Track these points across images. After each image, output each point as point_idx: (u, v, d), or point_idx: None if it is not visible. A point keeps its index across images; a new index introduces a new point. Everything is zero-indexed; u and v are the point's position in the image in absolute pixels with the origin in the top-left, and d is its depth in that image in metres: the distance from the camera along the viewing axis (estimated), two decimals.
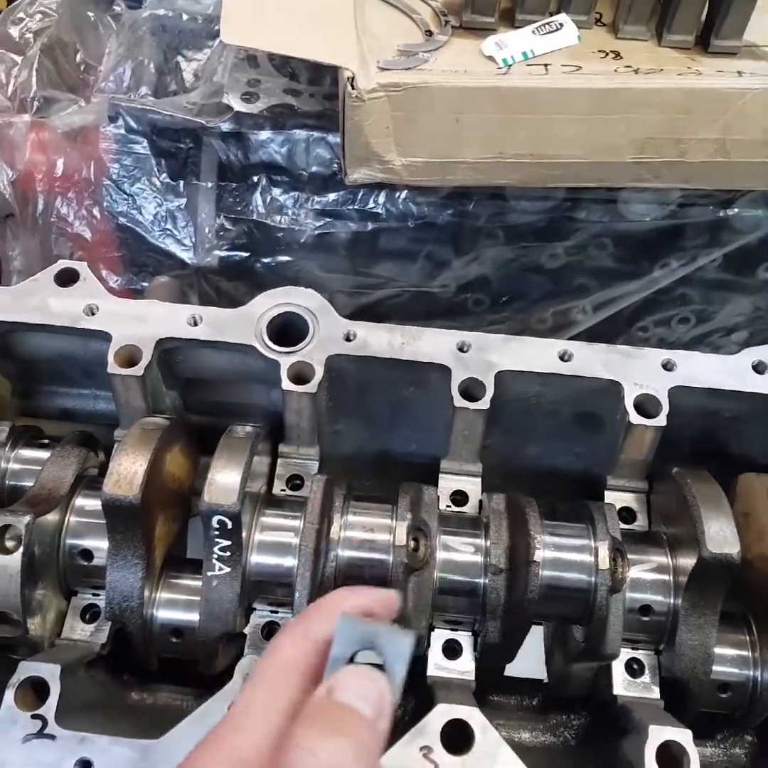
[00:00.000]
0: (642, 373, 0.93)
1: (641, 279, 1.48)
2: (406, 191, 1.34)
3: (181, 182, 1.37)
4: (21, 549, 0.80)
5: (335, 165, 1.33)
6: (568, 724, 0.97)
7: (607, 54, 1.20)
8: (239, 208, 1.37)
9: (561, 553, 0.83)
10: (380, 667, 0.56)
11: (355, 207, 1.37)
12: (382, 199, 1.35)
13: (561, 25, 1.20)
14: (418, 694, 0.97)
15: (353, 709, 0.53)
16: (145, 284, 1.41)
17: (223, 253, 1.39)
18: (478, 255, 1.45)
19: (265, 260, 1.40)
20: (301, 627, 0.59)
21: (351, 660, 0.56)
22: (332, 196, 1.36)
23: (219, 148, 1.34)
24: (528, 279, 1.49)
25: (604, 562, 0.80)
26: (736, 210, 1.35)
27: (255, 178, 1.36)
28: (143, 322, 0.96)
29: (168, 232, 1.38)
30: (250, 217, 1.37)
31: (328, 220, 1.38)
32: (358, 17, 1.16)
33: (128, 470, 0.82)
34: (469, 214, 1.38)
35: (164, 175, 1.37)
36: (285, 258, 1.40)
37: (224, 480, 0.83)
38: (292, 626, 0.60)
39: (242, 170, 1.36)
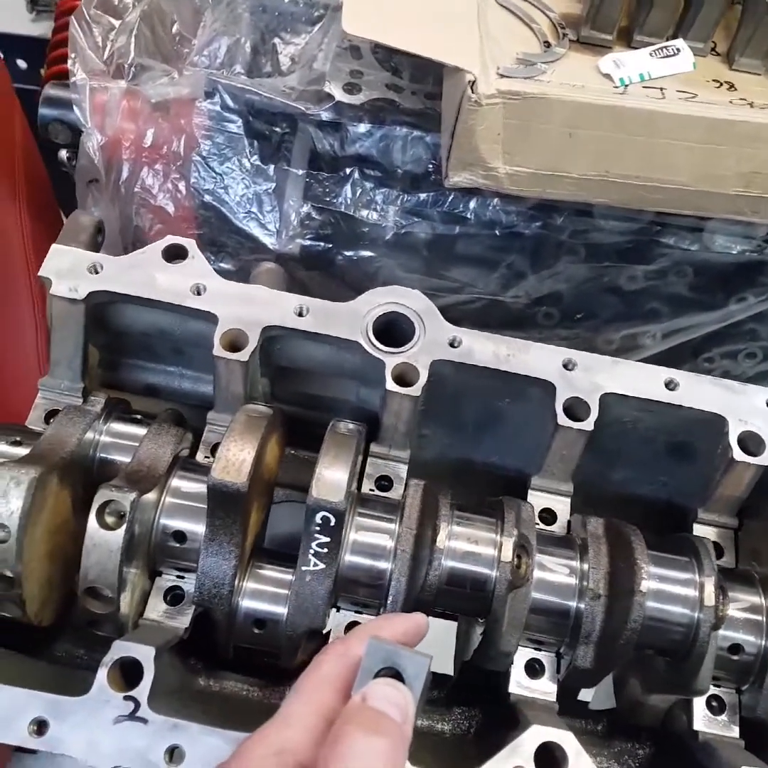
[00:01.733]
0: (746, 410, 0.92)
1: (716, 311, 1.47)
2: (497, 199, 1.33)
3: (272, 166, 1.35)
4: (124, 526, 0.79)
5: (430, 165, 1.32)
6: (633, 753, 0.97)
7: (721, 84, 1.19)
8: (327, 199, 1.36)
9: (666, 586, 0.83)
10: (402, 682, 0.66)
11: (444, 209, 1.35)
12: (473, 204, 1.34)
13: (678, 50, 1.19)
14: (486, 707, 0.97)
15: (386, 714, 0.62)
16: (222, 265, 1.40)
17: (306, 242, 1.38)
18: (557, 270, 1.43)
19: (347, 253, 1.39)
20: (341, 647, 0.69)
21: (377, 675, 0.65)
22: (422, 196, 1.35)
23: (315, 136, 1.32)
24: (602, 299, 1.48)
25: (710, 598, 0.80)
26: None
27: (347, 170, 1.34)
28: (250, 306, 0.95)
29: (253, 215, 1.37)
30: (337, 208, 1.36)
31: (415, 219, 1.37)
32: (481, 21, 1.14)
33: (236, 457, 0.81)
34: (555, 228, 1.37)
35: (255, 157, 1.35)
36: (367, 253, 1.39)
37: (332, 476, 0.82)
38: (334, 646, 0.70)
39: (335, 160, 1.34)
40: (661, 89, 1.15)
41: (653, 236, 1.36)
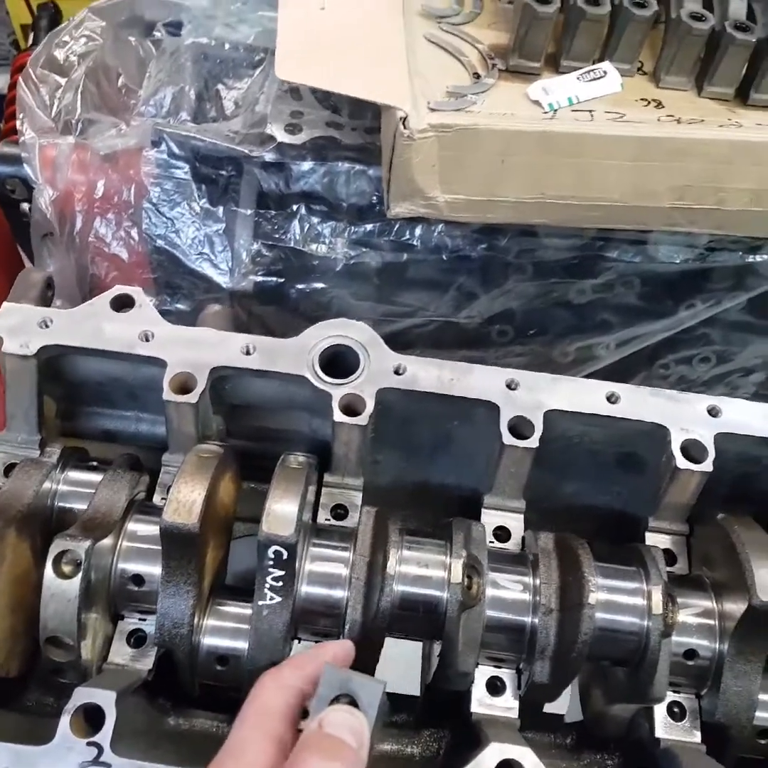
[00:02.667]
0: (688, 418, 0.95)
1: (666, 319, 1.51)
2: (441, 225, 1.36)
3: (221, 208, 1.38)
4: (80, 575, 0.80)
5: (374, 197, 1.35)
6: (602, 764, 0.98)
7: (649, 102, 1.23)
8: (276, 235, 1.39)
9: (614, 596, 0.84)
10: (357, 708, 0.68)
11: (391, 238, 1.39)
12: (418, 231, 1.37)
13: (605, 72, 1.24)
14: (453, 728, 0.98)
15: (342, 740, 0.65)
16: (179, 306, 1.42)
17: (259, 278, 1.41)
18: (506, 289, 1.47)
19: (299, 286, 1.42)
20: (279, 677, 0.73)
21: (333, 701, 0.68)
22: (369, 227, 1.38)
23: (260, 177, 1.36)
24: (553, 313, 1.52)
25: (658, 606, 0.81)
26: (764, 256, 1.39)
27: (294, 207, 1.37)
28: (198, 349, 0.97)
29: (205, 256, 1.40)
30: (286, 244, 1.39)
31: (363, 249, 1.40)
32: (410, 58, 1.18)
33: (187, 499, 0.83)
34: (500, 249, 1.40)
35: (204, 200, 1.38)
36: (319, 285, 1.42)
37: (282, 510, 0.84)
38: (270, 676, 0.74)
39: (281, 198, 1.37)
40: (590, 111, 1.19)
41: (597, 251, 1.40)
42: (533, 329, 1.55)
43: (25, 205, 1.46)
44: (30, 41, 2.06)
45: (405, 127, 1.10)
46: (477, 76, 1.21)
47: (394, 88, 1.12)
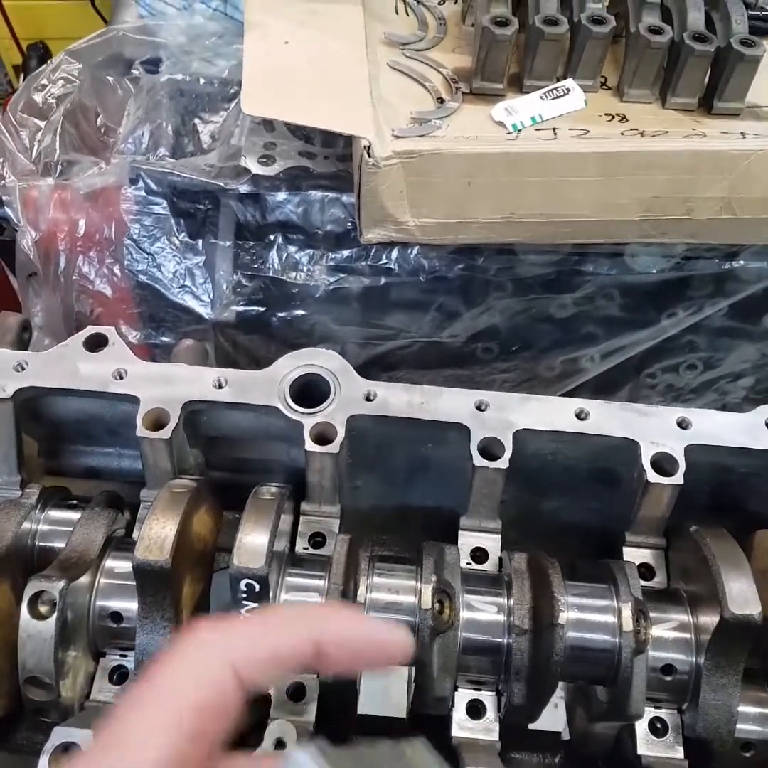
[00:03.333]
0: (658, 431, 0.95)
1: (649, 328, 1.51)
2: (417, 247, 1.38)
3: (200, 241, 1.41)
4: (55, 614, 0.81)
5: (349, 223, 1.37)
6: None
7: (613, 117, 1.24)
8: (256, 266, 1.41)
9: (584, 615, 0.84)
10: None
11: (369, 263, 1.40)
12: (394, 255, 1.39)
13: (568, 89, 1.25)
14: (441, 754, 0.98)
15: None
16: (164, 339, 1.45)
17: (240, 308, 1.43)
18: (488, 306, 1.48)
19: (281, 314, 1.44)
20: (224, 632, 0.53)
21: None
22: (346, 253, 1.40)
23: (237, 209, 1.38)
24: (537, 328, 1.52)
25: (628, 623, 0.81)
26: (741, 262, 1.39)
27: (271, 237, 1.40)
28: (170, 384, 0.99)
29: (187, 289, 1.42)
30: (266, 273, 1.41)
31: (341, 275, 1.42)
32: (373, 87, 1.20)
33: (158, 535, 0.84)
34: (478, 268, 1.42)
35: (183, 234, 1.41)
36: (300, 312, 1.44)
37: (252, 543, 0.85)
38: (209, 627, 0.54)
39: (259, 229, 1.40)
40: (554, 130, 1.21)
41: (574, 266, 1.41)
42: (517, 345, 1.56)
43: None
44: (21, 81, 2.11)
45: (370, 156, 1.12)
46: (441, 100, 1.23)
47: (357, 117, 1.14)
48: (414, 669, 0.92)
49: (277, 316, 1.44)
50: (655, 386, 1.61)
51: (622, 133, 1.21)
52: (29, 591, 0.82)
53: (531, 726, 0.97)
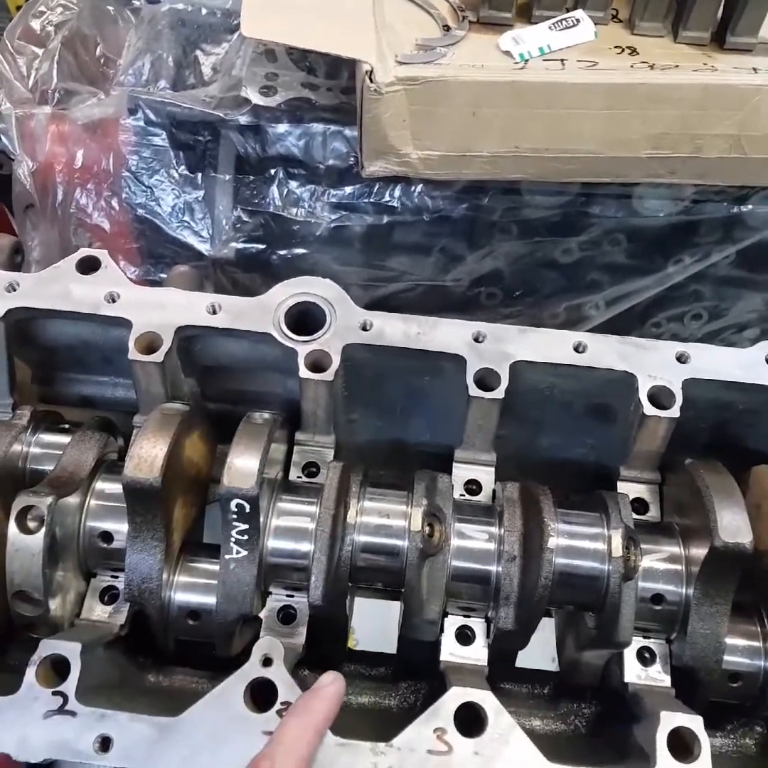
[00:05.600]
0: (656, 365, 0.94)
1: (654, 275, 1.48)
2: (421, 185, 1.35)
3: (199, 174, 1.38)
4: (43, 529, 0.81)
5: (352, 158, 1.34)
6: (578, 713, 0.98)
7: (623, 50, 1.20)
8: (256, 201, 1.38)
9: (574, 541, 0.84)
10: None
11: (371, 200, 1.38)
12: (397, 192, 1.36)
13: (578, 21, 1.21)
14: (430, 681, 0.99)
15: None
16: (162, 275, 1.42)
17: (240, 245, 1.40)
18: (492, 249, 1.45)
19: (281, 252, 1.42)
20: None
21: None
22: (348, 189, 1.37)
23: (237, 141, 1.35)
24: (541, 274, 1.50)
25: (617, 550, 0.81)
26: (750, 206, 1.36)
27: (272, 171, 1.37)
28: (163, 309, 0.97)
29: (185, 224, 1.40)
30: (266, 209, 1.38)
31: (343, 213, 1.39)
32: (377, 12, 1.17)
33: (148, 454, 0.84)
34: (483, 209, 1.39)
35: (182, 167, 1.38)
36: (301, 250, 1.42)
37: (243, 464, 0.84)
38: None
39: (259, 163, 1.37)
40: (562, 61, 1.17)
41: (580, 207, 1.38)
42: (521, 290, 1.53)
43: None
44: None
45: (372, 81, 1.09)
46: (447, 28, 1.20)
47: (360, 42, 1.11)
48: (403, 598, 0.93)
49: (278, 254, 1.41)
50: (659, 336, 1.58)
51: (631, 66, 1.17)
52: (17, 505, 0.83)
53: (518, 664, 0.97)
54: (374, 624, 1.09)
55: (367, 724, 0.91)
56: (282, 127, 1.33)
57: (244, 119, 1.32)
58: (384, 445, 1.11)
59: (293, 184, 1.38)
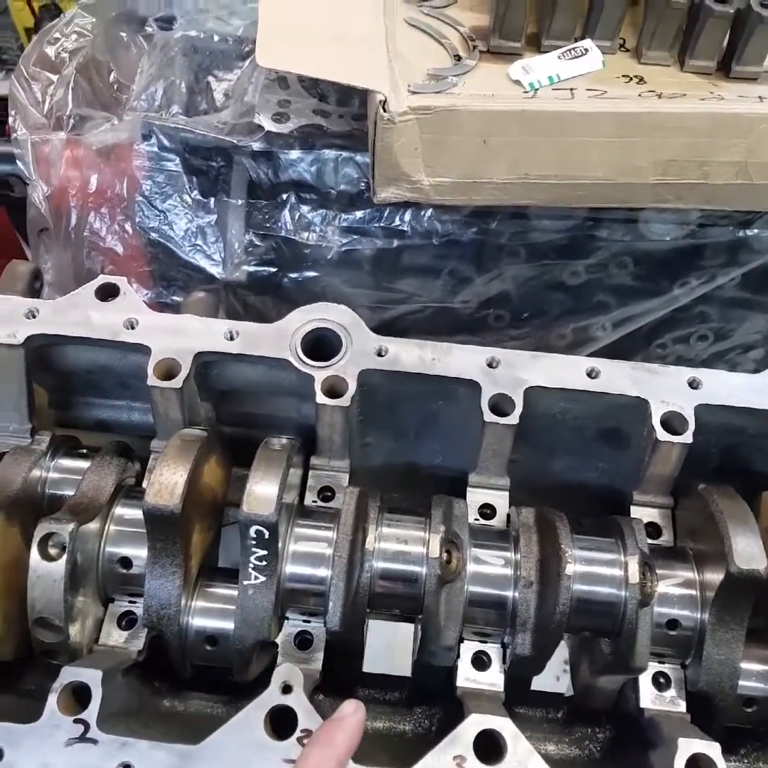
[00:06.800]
0: (668, 390, 0.95)
1: (661, 297, 1.50)
2: (431, 210, 1.37)
3: (212, 199, 1.40)
4: (65, 556, 0.82)
5: (363, 184, 1.36)
6: (593, 737, 0.98)
7: (630, 78, 1.23)
8: (268, 225, 1.40)
9: (591, 567, 0.85)
10: None
11: (381, 224, 1.39)
12: (407, 217, 1.38)
13: (586, 50, 1.23)
14: (445, 705, 0.99)
15: None
16: (175, 298, 1.44)
17: (252, 268, 1.42)
18: (500, 272, 1.47)
19: (292, 275, 1.43)
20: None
21: None
22: (359, 214, 1.39)
23: (249, 167, 1.37)
24: (548, 296, 1.51)
25: (634, 576, 0.82)
26: (755, 230, 1.38)
27: (284, 196, 1.39)
28: (181, 336, 0.99)
29: (198, 248, 1.41)
30: (278, 233, 1.40)
31: (354, 237, 1.41)
32: (390, 41, 1.19)
33: (169, 481, 0.84)
34: (491, 232, 1.41)
35: (195, 192, 1.40)
36: (311, 273, 1.43)
37: (262, 491, 0.85)
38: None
39: (272, 188, 1.39)
40: (571, 89, 1.19)
41: (588, 231, 1.40)
42: (529, 312, 1.54)
43: None
44: None
45: (385, 110, 1.11)
46: (458, 57, 1.22)
47: (373, 71, 1.13)
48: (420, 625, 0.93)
49: (289, 278, 1.43)
50: (665, 357, 1.60)
51: (639, 95, 1.19)
52: (39, 532, 0.83)
53: (533, 687, 0.98)
54: (380, 645, 1.09)
55: (383, 749, 0.91)
56: (294, 154, 1.35)
57: (256, 145, 1.34)
58: (397, 469, 1.12)
59: (305, 208, 1.40)
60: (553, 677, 1.10)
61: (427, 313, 1.52)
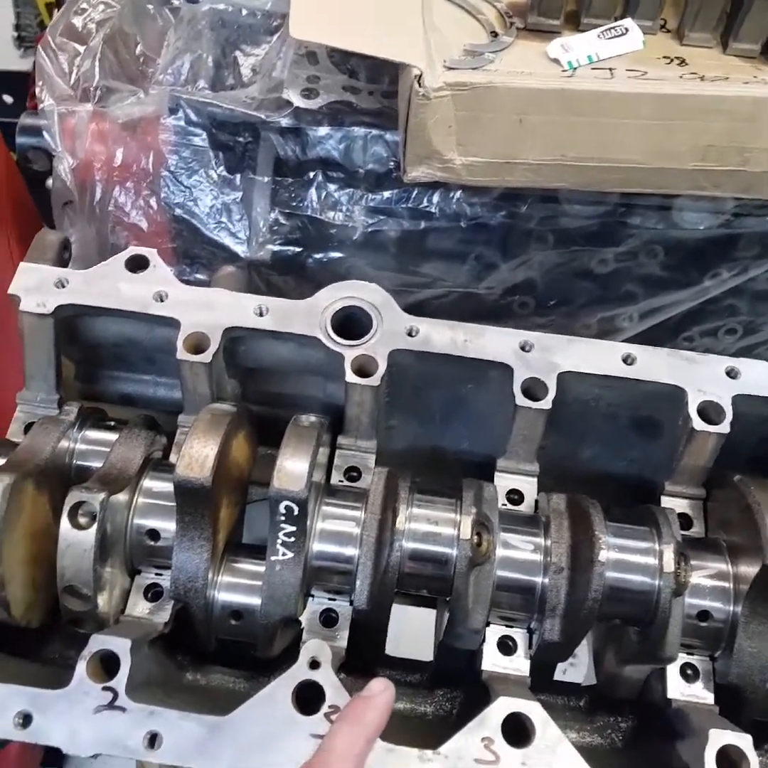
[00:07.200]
0: (706, 379, 0.94)
1: (690, 288, 1.47)
2: (460, 191, 1.34)
3: (238, 176, 1.38)
4: (95, 526, 0.81)
5: (391, 163, 1.34)
6: (615, 726, 0.97)
7: (671, 60, 1.20)
8: (294, 203, 1.38)
9: (625, 555, 0.84)
10: None
11: (409, 205, 1.37)
12: (436, 198, 1.36)
13: (626, 30, 1.21)
14: (466, 689, 0.99)
15: None
16: (198, 276, 1.43)
17: (276, 248, 1.40)
18: (527, 258, 1.45)
19: (317, 256, 1.41)
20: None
21: None
22: (386, 194, 1.37)
23: (277, 143, 1.35)
24: (575, 284, 1.49)
25: (669, 565, 0.81)
26: None
27: (311, 174, 1.37)
28: (211, 310, 0.98)
29: (223, 225, 1.40)
30: (304, 212, 1.38)
31: (380, 217, 1.39)
32: (426, 16, 1.17)
33: (199, 454, 0.84)
34: (521, 216, 1.38)
35: (221, 168, 1.38)
36: (336, 254, 1.41)
37: (293, 467, 0.84)
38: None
39: (298, 165, 1.37)
40: (610, 69, 1.17)
41: (619, 218, 1.37)
42: (555, 300, 1.52)
43: (50, 181, 1.47)
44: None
45: (420, 86, 1.09)
46: (495, 34, 1.19)
47: (409, 46, 1.11)
48: (444, 608, 0.93)
49: (313, 258, 1.41)
50: (692, 350, 1.57)
51: (680, 77, 1.17)
52: (70, 501, 0.83)
53: (555, 678, 0.97)
54: (397, 629, 1.09)
55: (404, 730, 0.90)
56: (323, 130, 1.33)
57: (285, 121, 1.32)
58: (422, 452, 1.11)
59: (332, 187, 1.38)
60: (560, 671, 1.09)
61: (451, 298, 1.50)
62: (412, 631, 1.15)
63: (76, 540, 0.81)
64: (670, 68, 1.18)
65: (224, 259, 1.41)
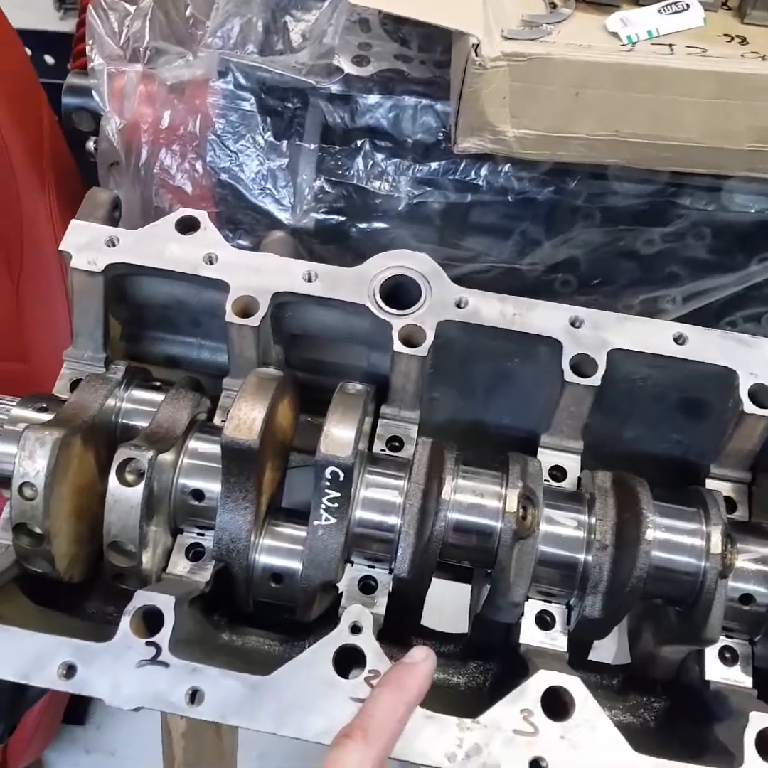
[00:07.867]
0: (759, 362, 0.92)
1: (736, 273, 1.45)
2: (508, 165, 1.33)
3: (285, 142, 1.37)
4: (142, 483, 0.82)
5: (440, 134, 1.33)
6: (648, 706, 0.98)
7: (732, 38, 1.17)
8: (340, 172, 1.38)
9: (673, 535, 0.83)
10: None
11: (456, 177, 1.36)
12: (484, 171, 1.34)
13: (687, 5, 1.18)
14: (500, 662, 0.99)
15: None
16: (240, 242, 1.43)
17: (320, 216, 1.40)
18: (571, 236, 1.43)
19: (361, 226, 1.41)
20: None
21: None
22: (434, 165, 1.36)
23: (325, 110, 1.34)
24: (619, 264, 1.47)
25: (717, 546, 0.80)
26: None
27: (358, 142, 1.36)
28: (260, 274, 0.97)
29: (267, 191, 1.39)
30: (350, 181, 1.37)
31: (427, 188, 1.38)
32: None
33: (247, 416, 0.84)
34: (568, 193, 1.37)
35: (268, 133, 1.37)
36: (380, 225, 1.41)
37: (340, 433, 0.84)
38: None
39: (346, 133, 1.36)
40: (670, 45, 1.14)
41: (669, 198, 1.35)
42: (598, 279, 1.50)
43: (90, 143, 1.47)
44: None
45: (477, 55, 1.07)
46: (553, 5, 1.17)
47: (467, 14, 1.09)
48: (481, 583, 0.93)
49: (357, 227, 1.41)
50: None
51: (741, 55, 1.14)
52: (119, 458, 0.83)
53: (590, 657, 0.97)
54: (441, 607, 1.09)
55: (437, 700, 0.91)
56: (373, 98, 1.32)
57: (335, 88, 1.31)
58: (463, 426, 1.10)
59: (379, 156, 1.36)
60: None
61: (493, 273, 1.49)
62: (438, 606, 1.15)
63: (123, 497, 0.82)
64: (731, 46, 1.15)
65: (267, 225, 1.41)
